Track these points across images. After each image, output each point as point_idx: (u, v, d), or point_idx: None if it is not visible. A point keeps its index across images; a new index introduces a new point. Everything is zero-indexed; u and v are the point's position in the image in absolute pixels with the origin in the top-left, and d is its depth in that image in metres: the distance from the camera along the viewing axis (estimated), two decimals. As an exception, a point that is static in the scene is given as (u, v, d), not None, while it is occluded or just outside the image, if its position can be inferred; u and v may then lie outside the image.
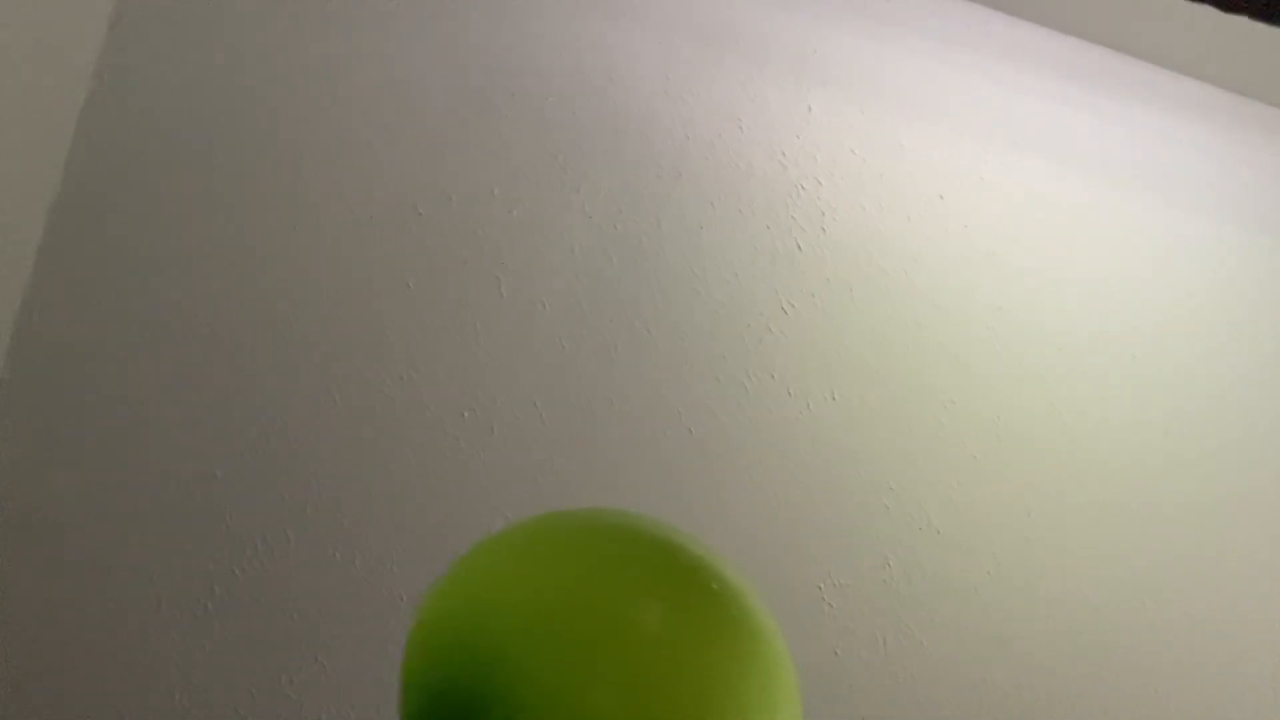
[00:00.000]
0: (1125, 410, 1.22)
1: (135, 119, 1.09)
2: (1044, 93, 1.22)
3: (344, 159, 1.11)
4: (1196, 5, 0.92)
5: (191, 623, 1.07)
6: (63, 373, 1.06)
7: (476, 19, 1.14)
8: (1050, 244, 1.22)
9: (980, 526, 1.18)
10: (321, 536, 1.09)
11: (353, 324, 1.11)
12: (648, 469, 1.14)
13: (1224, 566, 1.22)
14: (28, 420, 1.05)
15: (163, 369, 1.08)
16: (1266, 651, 1.21)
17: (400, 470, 1.11)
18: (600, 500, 1.14)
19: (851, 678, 1.16)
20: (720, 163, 1.17)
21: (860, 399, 1.17)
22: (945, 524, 1.18)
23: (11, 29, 1.00)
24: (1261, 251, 1.24)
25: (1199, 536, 1.22)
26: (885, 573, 1.17)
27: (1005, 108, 1.22)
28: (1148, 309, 1.23)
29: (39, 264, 1.05)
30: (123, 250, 1.08)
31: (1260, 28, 0.96)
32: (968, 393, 1.19)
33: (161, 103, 1.09)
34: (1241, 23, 0.93)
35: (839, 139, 1.19)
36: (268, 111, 1.10)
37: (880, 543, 1.17)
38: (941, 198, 1.20)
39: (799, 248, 1.18)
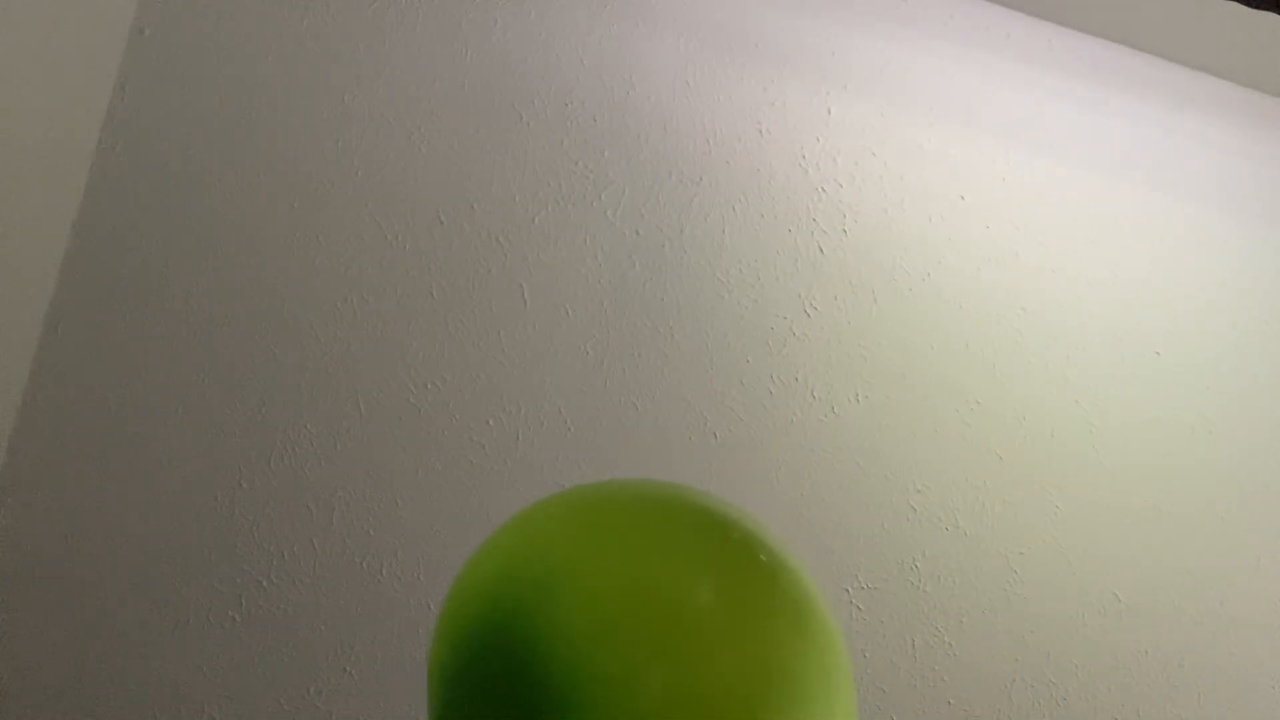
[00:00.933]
0: (1150, 408, 1.21)
1: (158, 134, 1.09)
2: (1065, 93, 1.22)
3: (367, 168, 1.11)
4: (1222, 3, 0.91)
5: (220, 635, 1.07)
6: (87, 388, 1.06)
7: (497, 29, 1.14)
8: (1073, 243, 1.21)
9: (1007, 527, 1.18)
10: (348, 546, 1.09)
11: (377, 333, 1.11)
12: (673, 474, 1.14)
13: (1258, 566, 1.22)
14: (54, 435, 1.05)
15: (187, 381, 1.07)
16: (1295, 648, 1.20)
17: (426, 479, 1.10)
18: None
19: (881, 679, 1.15)
20: (741, 167, 1.17)
21: (885, 401, 1.17)
22: (972, 525, 1.17)
23: (32, 52, 1.01)
24: (1282, 248, 1.24)
25: (1230, 535, 1.22)
26: (913, 574, 1.16)
27: (1026, 109, 1.22)
28: (1171, 307, 1.23)
29: (63, 276, 1.05)
30: (146, 262, 1.07)
31: (1282, 24, 0.96)
32: (993, 393, 1.19)
33: (184, 118, 1.09)
34: (1268, 20, 0.92)
35: (860, 141, 1.19)
36: (291, 124, 1.11)
37: (907, 545, 1.17)
38: (963, 198, 1.20)
39: (821, 250, 1.18)
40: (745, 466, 1.15)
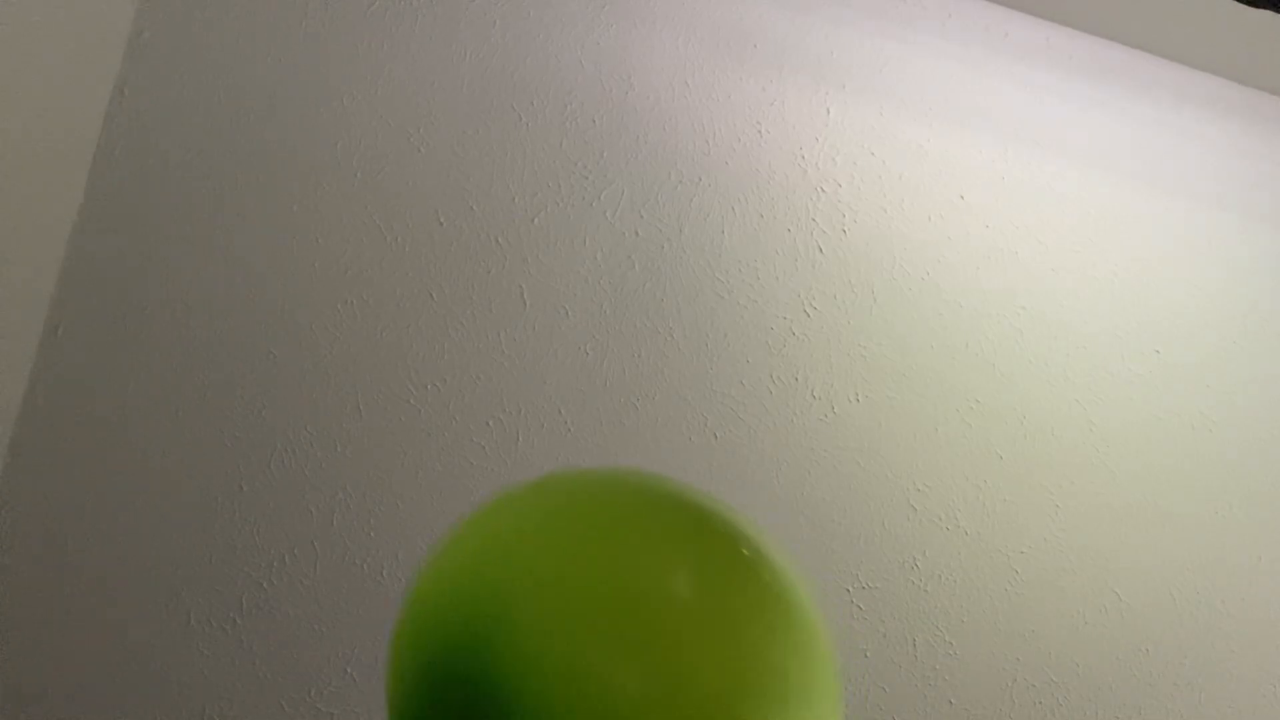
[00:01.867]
0: (1151, 406, 1.21)
1: (156, 133, 1.09)
2: (1064, 92, 1.22)
3: (366, 170, 1.11)
4: (1222, 3, 0.91)
5: (221, 636, 1.07)
6: (87, 389, 1.06)
7: (496, 30, 1.14)
8: (1073, 242, 1.21)
9: (1008, 526, 1.18)
10: (348, 548, 1.09)
11: (377, 334, 1.11)
12: (672, 473, 1.13)
13: (1258, 565, 1.22)
14: (54, 436, 1.05)
15: (187, 382, 1.07)
16: (1296, 647, 1.20)
17: (426, 480, 1.10)
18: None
19: (882, 679, 1.15)
20: (740, 167, 1.17)
21: (885, 400, 1.17)
22: (972, 525, 1.17)
23: (33, 55, 1.01)
24: (1282, 246, 1.24)
25: (1230, 534, 1.22)
26: (913, 574, 1.16)
27: (1026, 108, 1.22)
28: (1171, 305, 1.23)
29: (63, 277, 1.05)
30: (146, 263, 1.07)
31: (1281, 23, 0.96)
32: (993, 392, 1.19)
33: (184, 120, 1.09)
34: (1268, 20, 0.92)
35: (859, 141, 1.19)
36: (290, 126, 1.11)
37: (908, 544, 1.17)
38: (962, 198, 1.20)
39: (820, 250, 1.18)
40: (745, 466, 1.15)
